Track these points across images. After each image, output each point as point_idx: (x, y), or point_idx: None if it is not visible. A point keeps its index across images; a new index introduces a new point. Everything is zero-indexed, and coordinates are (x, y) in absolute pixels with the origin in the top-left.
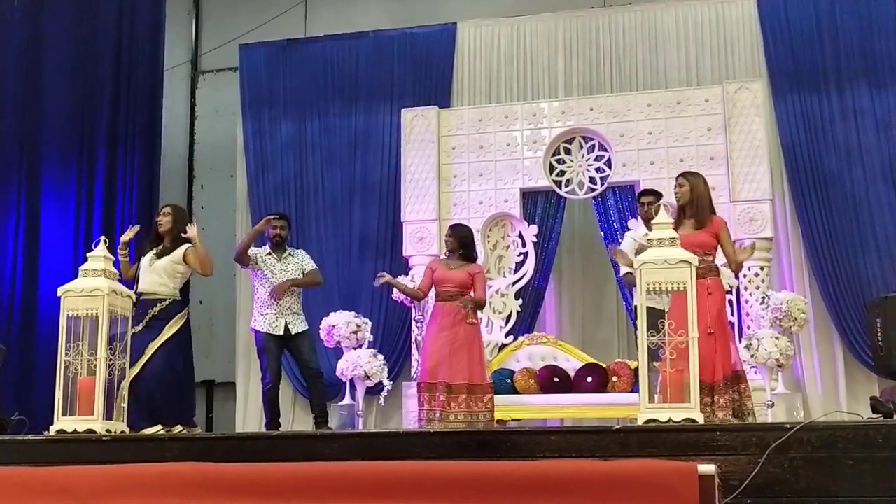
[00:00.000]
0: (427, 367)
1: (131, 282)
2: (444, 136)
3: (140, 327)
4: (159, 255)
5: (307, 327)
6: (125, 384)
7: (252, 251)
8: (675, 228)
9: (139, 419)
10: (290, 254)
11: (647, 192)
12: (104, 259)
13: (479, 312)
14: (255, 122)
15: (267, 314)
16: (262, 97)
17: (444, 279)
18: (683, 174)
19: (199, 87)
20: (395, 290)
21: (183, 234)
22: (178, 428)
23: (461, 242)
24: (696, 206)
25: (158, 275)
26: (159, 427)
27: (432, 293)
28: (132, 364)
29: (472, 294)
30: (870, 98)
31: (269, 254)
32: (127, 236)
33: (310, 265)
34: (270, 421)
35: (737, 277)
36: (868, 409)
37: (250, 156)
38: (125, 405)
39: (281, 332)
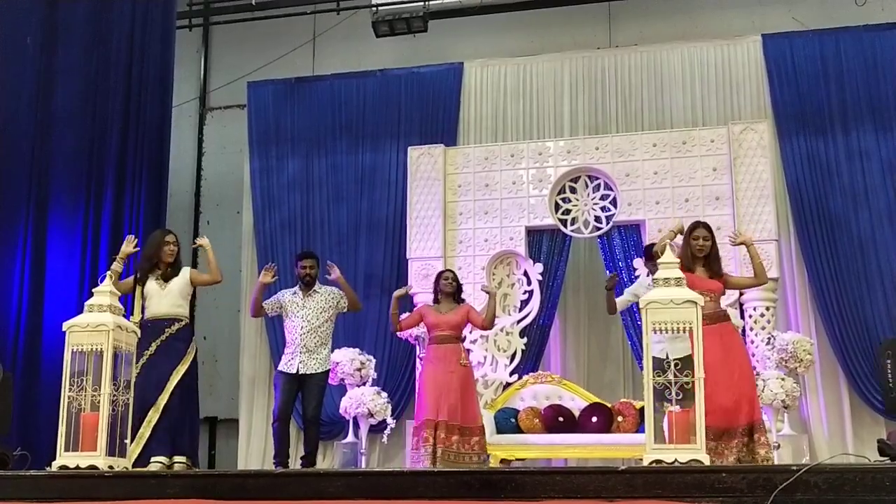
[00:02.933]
0: (428, 405)
1: (128, 298)
2: (450, 174)
3: (153, 349)
4: (166, 279)
5: (323, 369)
6: (153, 413)
7: (274, 298)
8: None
9: (161, 447)
10: (315, 290)
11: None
12: (109, 294)
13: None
14: (262, 159)
15: (286, 354)
16: (269, 134)
17: (439, 323)
18: (707, 227)
19: (207, 124)
20: (400, 324)
21: (195, 243)
22: (181, 460)
23: (460, 286)
24: (713, 258)
25: (174, 297)
26: (163, 460)
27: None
28: (155, 390)
29: (473, 328)
30: (875, 140)
31: (295, 293)
32: (130, 247)
33: (336, 293)
34: (276, 453)
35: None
36: (875, 452)
37: (257, 192)
38: (128, 441)
39: (294, 371)
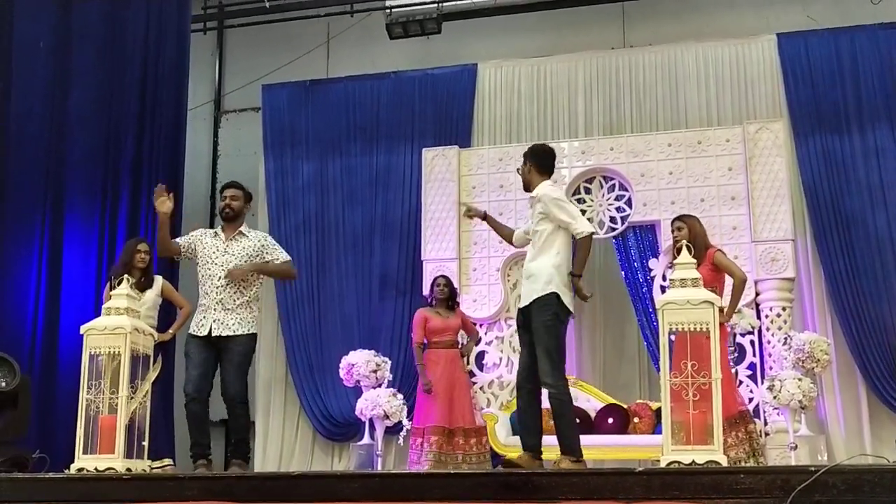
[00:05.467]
0: (439, 411)
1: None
2: (464, 175)
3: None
4: (141, 289)
5: (245, 331)
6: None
7: (190, 235)
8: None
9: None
10: (242, 232)
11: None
12: (127, 297)
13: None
14: (277, 162)
15: (196, 312)
16: (283, 137)
17: (444, 328)
18: (680, 218)
19: (222, 127)
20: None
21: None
22: (167, 461)
23: (454, 291)
24: (694, 247)
25: (146, 309)
26: (168, 461)
27: None
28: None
29: (468, 337)
30: (891, 137)
31: (216, 235)
32: (164, 206)
33: (279, 254)
34: (192, 444)
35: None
36: (893, 452)
37: (272, 195)
38: (145, 443)
39: (205, 334)
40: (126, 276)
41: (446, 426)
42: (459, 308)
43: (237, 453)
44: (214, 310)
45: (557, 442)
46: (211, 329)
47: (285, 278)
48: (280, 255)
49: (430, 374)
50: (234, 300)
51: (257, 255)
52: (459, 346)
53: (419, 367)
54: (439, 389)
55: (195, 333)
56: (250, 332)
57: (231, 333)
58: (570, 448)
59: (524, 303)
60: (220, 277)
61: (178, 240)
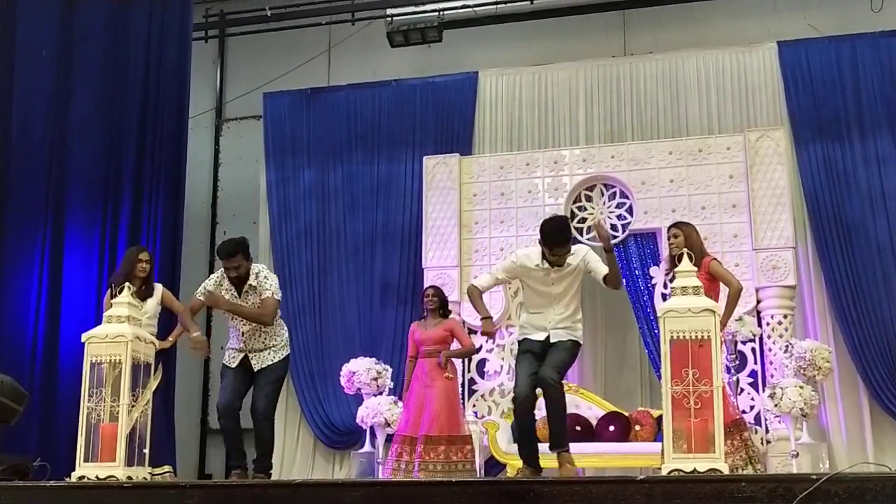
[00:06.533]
0: (408, 419)
1: None
2: (465, 183)
3: None
4: (142, 298)
5: (280, 358)
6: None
7: (205, 295)
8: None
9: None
10: (251, 285)
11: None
12: (128, 305)
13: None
14: (278, 170)
15: (229, 350)
16: (285, 144)
17: (424, 339)
18: (676, 225)
19: (223, 135)
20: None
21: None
22: (167, 468)
23: (443, 301)
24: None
25: (147, 318)
26: (168, 468)
27: None
28: None
29: (457, 347)
30: (892, 145)
31: (229, 291)
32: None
33: (265, 291)
34: (226, 455)
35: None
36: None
37: (273, 202)
38: (146, 451)
39: (234, 365)
40: (127, 284)
41: (409, 434)
42: (453, 317)
43: (259, 467)
44: (247, 354)
45: (555, 436)
46: (248, 360)
47: (254, 320)
48: (265, 292)
49: (415, 381)
50: (264, 342)
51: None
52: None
53: (405, 382)
54: (410, 398)
55: (228, 366)
56: (284, 357)
57: (269, 364)
58: (566, 441)
59: (562, 338)
60: (244, 331)
61: (197, 294)
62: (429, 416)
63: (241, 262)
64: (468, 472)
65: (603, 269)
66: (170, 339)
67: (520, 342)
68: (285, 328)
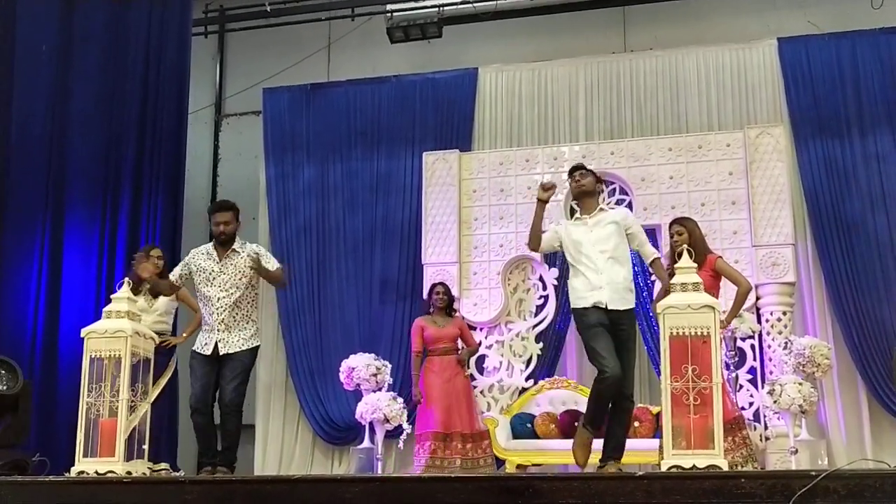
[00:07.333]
0: (437, 417)
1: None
2: (465, 179)
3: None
4: (154, 295)
5: (248, 347)
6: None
7: (182, 264)
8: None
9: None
10: (234, 250)
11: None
12: (127, 300)
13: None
14: (278, 166)
15: (202, 332)
16: (284, 141)
17: (439, 337)
18: (679, 221)
19: (223, 131)
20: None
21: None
22: (163, 466)
23: (452, 299)
24: (694, 251)
25: (160, 313)
26: (165, 465)
27: None
28: None
29: (464, 346)
30: (892, 143)
31: (208, 255)
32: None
33: (272, 262)
34: (198, 452)
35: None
36: (894, 457)
37: (272, 199)
38: (146, 447)
39: (209, 353)
40: (128, 279)
41: (442, 431)
42: (458, 315)
43: (224, 460)
44: (218, 330)
45: (621, 447)
46: (216, 347)
47: (277, 283)
48: (273, 263)
49: (427, 381)
50: (235, 317)
51: (252, 269)
52: (458, 352)
53: (414, 376)
54: (436, 396)
55: (200, 352)
56: (253, 346)
57: (236, 350)
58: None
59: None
60: (219, 298)
61: (171, 275)
62: (458, 414)
63: (231, 219)
64: (486, 467)
65: (651, 251)
66: (183, 334)
67: (581, 311)
68: (257, 318)
